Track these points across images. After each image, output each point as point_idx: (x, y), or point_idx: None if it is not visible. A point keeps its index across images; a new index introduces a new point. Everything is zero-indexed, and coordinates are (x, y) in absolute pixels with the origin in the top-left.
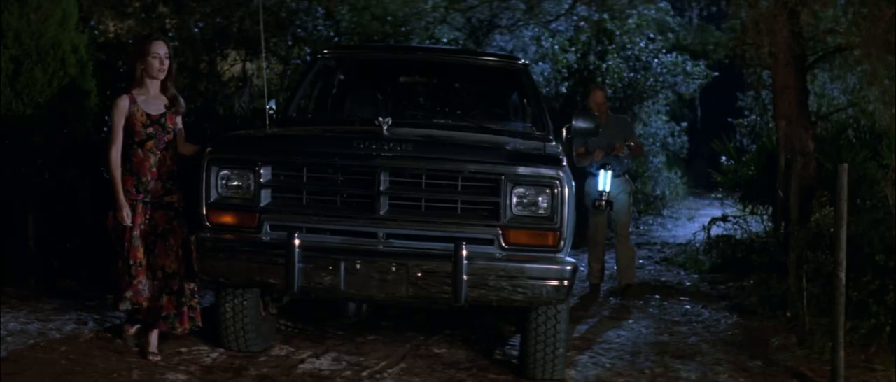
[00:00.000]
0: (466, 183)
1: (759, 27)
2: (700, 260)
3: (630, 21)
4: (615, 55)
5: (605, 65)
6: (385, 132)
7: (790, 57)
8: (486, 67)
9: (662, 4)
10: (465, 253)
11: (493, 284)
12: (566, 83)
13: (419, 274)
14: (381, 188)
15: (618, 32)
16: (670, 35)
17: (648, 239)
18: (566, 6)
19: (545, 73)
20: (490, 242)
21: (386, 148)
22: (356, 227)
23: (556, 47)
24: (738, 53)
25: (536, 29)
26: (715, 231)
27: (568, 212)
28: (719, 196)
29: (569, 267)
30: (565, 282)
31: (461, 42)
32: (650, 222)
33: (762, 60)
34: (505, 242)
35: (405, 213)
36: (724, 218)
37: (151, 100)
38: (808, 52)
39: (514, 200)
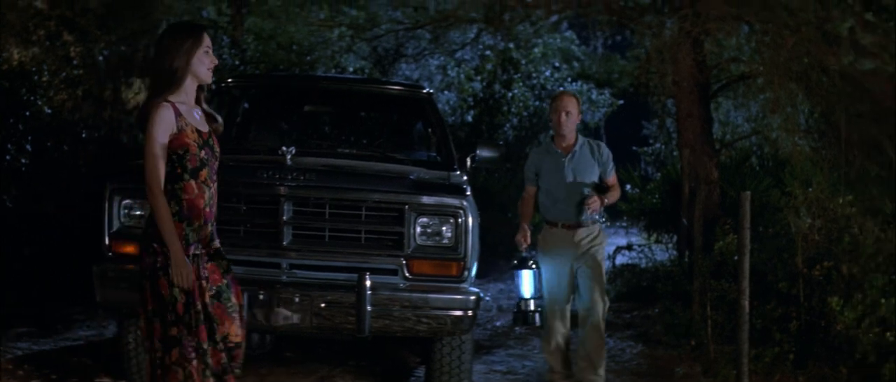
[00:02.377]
0: (370, 212)
1: (662, 56)
2: (606, 288)
3: (535, 50)
4: (520, 84)
5: (510, 94)
6: (288, 161)
7: (694, 85)
8: (391, 96)
9: (567, 34)
10: (368, 283)
11: (398, 315)
12: (472, 112)
13: (323, 305)
14: (285, 218)
15: (523, 61)
16: (575, 64)
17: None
18: (472, 35)
19: (451, 102)
20: (394, 272)
21: (289, 177)
22: (260, 257)
23: (462, 76)
24: (643, 82)
25: (442, 58)
26: (620, 259)
27: (472, 242)
28: (624, 224)
29: (473, 298)
30: (469, 312)
31: (367, 71)
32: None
33: (666, 89)
34: (409, 272)
35: (309, 243)
36: (629, 247)
37: (194, 111)
38: (711, 81)
39: (418, 230)
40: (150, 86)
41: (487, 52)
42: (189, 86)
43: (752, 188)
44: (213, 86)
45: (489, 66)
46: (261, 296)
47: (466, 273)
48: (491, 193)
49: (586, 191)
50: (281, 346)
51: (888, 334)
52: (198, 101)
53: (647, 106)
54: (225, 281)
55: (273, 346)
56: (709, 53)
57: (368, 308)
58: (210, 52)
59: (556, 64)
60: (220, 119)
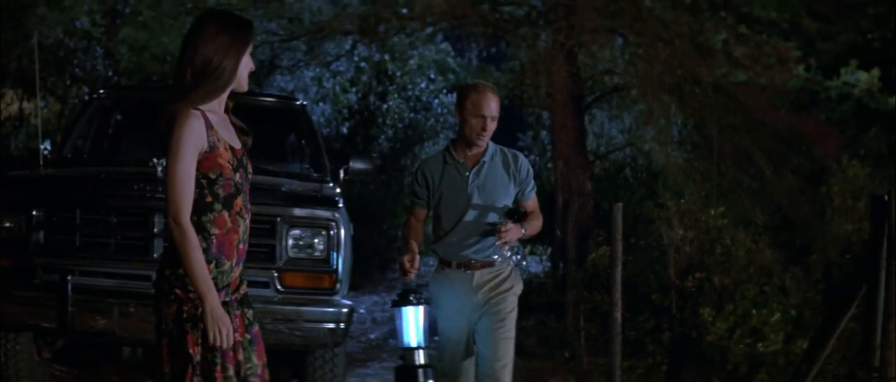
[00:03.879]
0: None
1: (537, 68)
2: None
3: (411, 62)
4: (396, 96)
5: (385, 106)
6: (159, 173)
7: (568, 97)
8: (264, 108)
9: (443, 46)
10: None
11: (270, 327)
12: (347, 124)
13: None
14: (156, 230)
15: (399, 73)
16: (451, 76)
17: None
18: (347, 47)
19: (326, 114)
20: (266, 285)
21: (160, 189)
22: (130, 270)
23: (337, 88)
24: (518, 94)
25: (317, 69)
26: None
27: (344, 254)
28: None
29: (345, 310)
30: (342, 325)
31: None
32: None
33: (541, 100)
34: (281, 285)
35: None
36: None
37: (225, 125)
38: (586, 93)
39: (290, 242)
40: (179, 85)
41: (363, 64)
42: (221, 97)
43: (626, 200)
44: (86, 97)
45: (364, 78)
46: (132, 309)
47: (339, 285)
48: (365, 205)
49: (493, 217)
50: (153, 359)
51: (759, 345)
52: (226, 111)
53: (522, 118)
54: (248, 336)
55: (145, 358)
56: (583, 65)
57: None
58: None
59: (432, 75)
60: (249, 131)
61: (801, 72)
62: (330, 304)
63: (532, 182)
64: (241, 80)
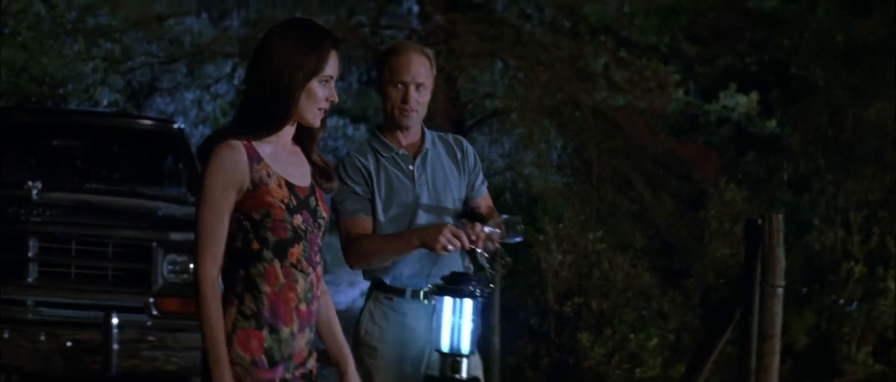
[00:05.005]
0: (117, 249)
1: None
2: None
3: None
4: None
5: None
6: (34, 196)
7: (448, 121)
8: (142, 131)
9: None
10: (115, 321)
11: (147, 354)
12: None
13: (69, 344)
14: (30, 254)
15: None
16: None
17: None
18: (228, 69)
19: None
20: (142, 310)
21: (35, 213)
22: (4, 295)
23: (218, 110)
24: None
25: (198, 92)
26: None
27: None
28: None
29: None
30: None
31: (122, 105)
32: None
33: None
34: (157, 311)
35: (55, 280)
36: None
37: (287, 158)
38: (466, 116)
39: (167, 267)
40: (239, 111)
41: (243, 87)
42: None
43: None
44: None
45: None
46: (6, 335)
47: None
48: None
49: (447, 220)
50: None
51: (638, 370)
52: (305, 147)
53: None
54: None
55: None
56: (463, 89)
57: (115, 347)
58: (331, 78)
59: None
60: (334, 175)
61: (680, 95)
62: None
63: (481, 173)
64: (306, 109)
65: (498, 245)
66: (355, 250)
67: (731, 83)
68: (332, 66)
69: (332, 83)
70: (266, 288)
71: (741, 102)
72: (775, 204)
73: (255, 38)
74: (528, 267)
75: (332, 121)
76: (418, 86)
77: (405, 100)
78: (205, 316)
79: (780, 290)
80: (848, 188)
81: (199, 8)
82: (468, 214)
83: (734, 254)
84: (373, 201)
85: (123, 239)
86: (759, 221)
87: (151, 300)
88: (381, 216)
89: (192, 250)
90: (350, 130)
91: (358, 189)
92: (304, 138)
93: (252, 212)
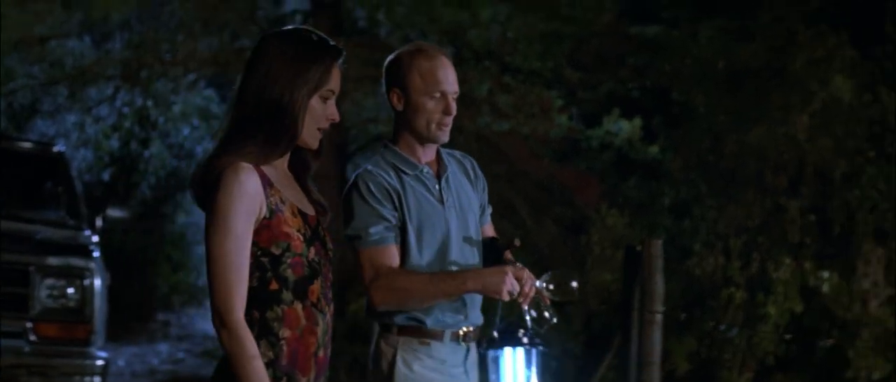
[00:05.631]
0: None
1: None
2: None
3: (175, 108)
4: (159, 142)
5: (147, 153)
6: None
7: (331, 146)
8: (21, 153)
9: (207, 92)
10: None
11: (25, 380)
12: (108, 170)
13: None
14: None
15: (162, 119)
16: (214, 122)
17: (190, 332)
18: (109, 92)
19: (87, 160)
20: (19, 336)
21: None
22: None
23: (99, 134)
24: None
25: (79, 114)
26: None
27: (99, 305)
28: None
29: (100, 362)
30: (97, 378)
31: (2, 127)
32: (192, 314)
33: None
34: (35, 336)
35: None
36: None
37: (289, 183)
38: (349, 141)
39: (44, 292)
40: (229, 129)
41: (125, 109)
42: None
43: None
44: None
45: (127, 124)
46: None
47: (94, 336)
48: (125, 254)
49: (473, 253)
50: None
51: None
52: (299, 175)
53: None
54: None
55: None
56: (346, 114)
57: None
58: (334, 98)
59: (195, 123)
60: (327, 206)
61: (563, 121)
62: (85, 356)
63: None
64: (305, 129)
65: (548, 302)
66: (389, 287)
67: (614, 108)
68: (335, 81)
69: (333, 100)
70: (285, 333)
71: (624, 128)
72: (657, 230)
73: (138, 60)
74: None
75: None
76: (455, 95)
77: (448, 111)
78: (247, 364)
79: (660, 316)
80: (728, 213)
81: (81, 30)
82: (492, 246)
83: (616, 280)
84: (403, 227)
85: (0, 263)
86: (638, 247)
87: (29, 325)
88: (412, 245)
89: (213, 289)
90: None
91: (386, 212)
92: (297, 162)
93: (270, 246)
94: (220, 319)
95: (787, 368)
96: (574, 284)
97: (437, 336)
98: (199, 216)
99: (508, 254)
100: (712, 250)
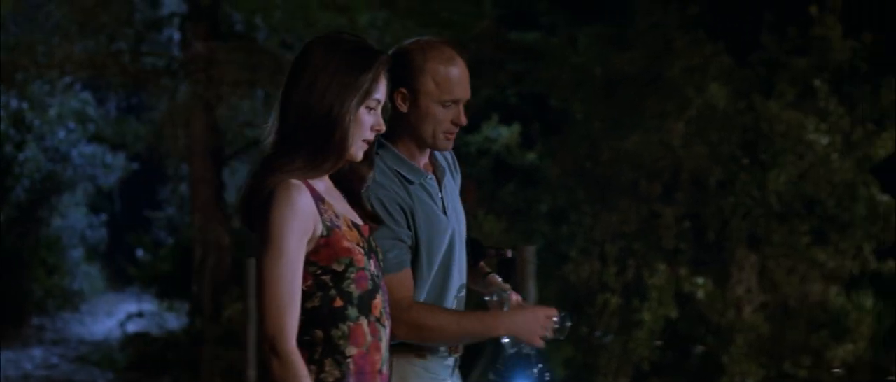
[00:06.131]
0: None
1: (176, 119)
2: (115, 358)
3: (51, 111)
4: (34, 145)
5: (22, 156)
6: None
7: (206, 150)
8: None
9: (83, 95)
10: None
11: None
12: None
13: None
14: None
15: (37, 122)
16: (90, 125)
17: (65, 336)
18: None
19: None
20: None
21: None
22: None
23: None
24: (157, 145)
25: None
26: (132, 327)
27: None
28: (136, 291)
29: None
30: None
31: None
32: (67, 319)
33: (180, 152)
34: None
35: None
36: (140, 314)
37: (337, 195)
38: (225, 145)
39: None
40: (276, 143)
41: (1, 112)
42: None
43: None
44: None
45: (2, 127)
46: None
47: None
48: None
49: (462, 260)
50: None
51: None
52: (349, 185)
53: (162, 169)
54: None
55: None
56: (223, 118)
57: None
58: (380, 107)
59: (71, 125)
60: (379, 217)
61: None
62: None
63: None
64: (356, 144)
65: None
66: (415, 324)
67: (492, 114)
68: (382, 90)
69: (379, 109)
70: (352, 351)
71: (502, 134)
72: (534, 236)
73: (13, 62)
74: None
75: (89, 149)
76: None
77: (458, 121)
78: None
79: None
80: (604, 220)
81: None
82: (474, 249)
83: None
84: (415, 245)
85: None
86: (510, 253)
87: None
88: (423, 260)
89: (265, 315)
90: (108, 158)
91: (403, 233)
92: (348, 171)
93: (331, 263)
94: (273, 347)
95: (662, 374)
96: (568, 324)
97: (433, 351)
98: (74, 219)
99: (484, 266)
100: (588, 256)
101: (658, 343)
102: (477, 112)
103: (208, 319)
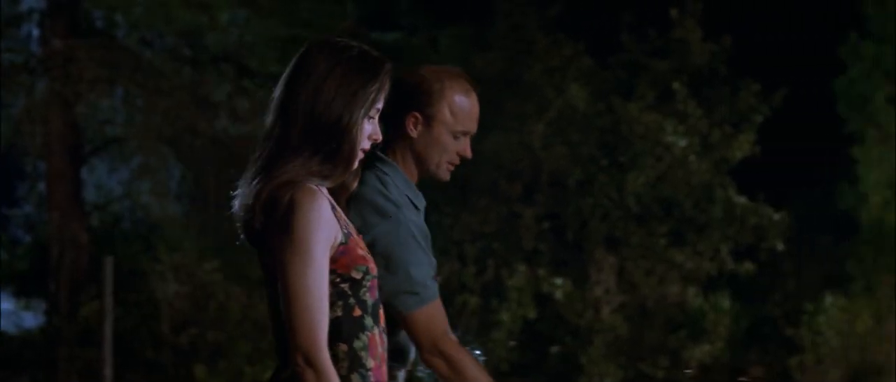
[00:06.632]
0: None
1: (34, 116)
2: None
3: None
4: None
5: None
6: None
7: (64, 147)
8: None
9: None
10: None
11: None
12: None
13: None
14: None
15: None
16: None
17: None
18: None
19: None
20: None
21: None
22: None
23: None
24: (15, 142)
25: None
26: None
27: None
28: None
29: None
30: None
31: None
32: None
33: (37, 150)
34: None
35: None
36: None
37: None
38: (84, 143)
39: None
40: (283, 149)
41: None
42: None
43: (122, 253)
44: None
45: None
46: None
47: None
48: None
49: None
50: None
51: None
52: (332, 194)
53: (20, 166)
54: None
55: None
56: (82, 115)
57: None
58: (378, 116)
59: None
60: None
61: None
62: None
63: None
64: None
65: None
66: (451, 363)
67: None
68: (382, 99)
69: (377, 118)
70: (371, 363)
71: None
72: None
73: None
74: (143, 297)
75: None
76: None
77: (464, 154)
78: None
79: None
80: (464, 220)
81: None
82: None
83: None
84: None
85: None
86: None
87: None
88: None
89: (297, 326)
90: None
91: (433, 261)
92: (348, 185)
93: (350, 271)
94: (308, 359)
95: (520, 374)
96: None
97: (404, 361)
98: None
99: None
100: (448, 257)
101: (510, 343)
102: None
103: (65, 318)
